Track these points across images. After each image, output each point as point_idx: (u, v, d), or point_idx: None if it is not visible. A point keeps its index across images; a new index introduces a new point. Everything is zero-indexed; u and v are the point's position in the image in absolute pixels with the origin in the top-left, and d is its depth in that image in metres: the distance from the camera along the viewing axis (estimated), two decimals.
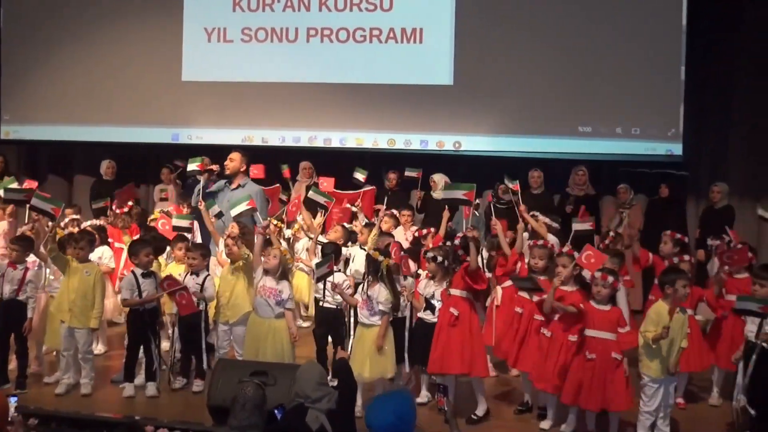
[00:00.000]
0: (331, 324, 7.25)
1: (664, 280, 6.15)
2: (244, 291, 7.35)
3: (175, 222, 8.12)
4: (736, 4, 11.03)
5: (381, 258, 6.62)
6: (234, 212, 7.69)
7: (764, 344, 5.95)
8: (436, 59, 11.35)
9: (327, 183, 9.83)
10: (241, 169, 8.70)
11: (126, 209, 9.65)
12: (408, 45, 11.45)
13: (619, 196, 10.61)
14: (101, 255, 8.19)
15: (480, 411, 6.56)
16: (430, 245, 7.45)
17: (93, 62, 12.28)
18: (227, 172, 8.67)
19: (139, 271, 7.02)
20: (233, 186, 8.62)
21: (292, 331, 6.72)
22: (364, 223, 9.07)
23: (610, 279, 5.94)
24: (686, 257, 7.24)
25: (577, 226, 7.40)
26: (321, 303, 7.32)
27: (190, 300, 6.89)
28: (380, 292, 6.56)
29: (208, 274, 7.31)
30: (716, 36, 11.03)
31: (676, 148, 10.72)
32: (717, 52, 11.10)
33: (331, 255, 6.99)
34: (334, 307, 7.22)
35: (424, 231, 8.40)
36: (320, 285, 7.01)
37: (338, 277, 7.17)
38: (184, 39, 12.02)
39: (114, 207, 10.00)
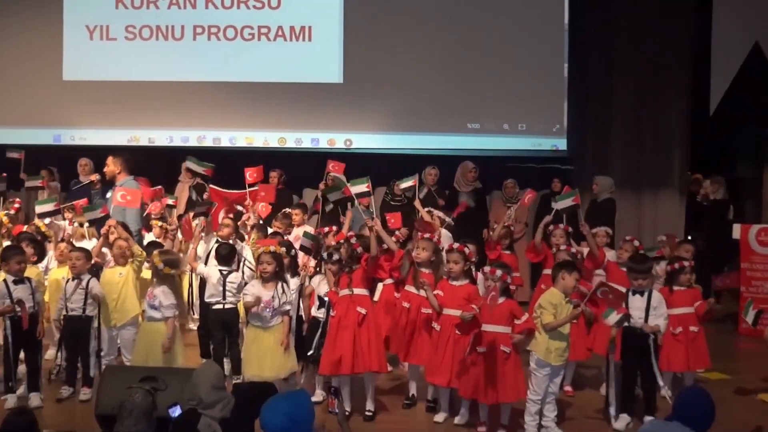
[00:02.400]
0: (227, 325, 7.15)
1: (558, 270, 6.30)
2: (133, 293, 7.18)
3: (38, 209, 7.89)
4: (614, 4, 11.43)
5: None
6: (88, 217, 7.51)
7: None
8: (326, 57, 11.35)
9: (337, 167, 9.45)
10: (117, 172, 8.46)
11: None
12: (297, 43, 11.41)
13: (506, 191, 10.81)
14: None
15: (372, 406, 6.57)
16: (333, 243, 7.38)
17: None
18: (107, 177, 8.44)
19: (10, 278, 6.72)
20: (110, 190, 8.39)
21: (163, 341, 6.55)
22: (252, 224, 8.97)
23: (499, 273, 6.03)
24: (573, 249, 7.42)
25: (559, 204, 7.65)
26: (214, 305, 7.20)
27: (25, 316, 6.61)
28: (287, 291, 6.52)
29: (91, 277, 7.08)
30: (596, 34, 11.45)
31: (561, 143, 11.11)
32: (597, 50, 11.54)
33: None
34: (233, 307, 7.14)
35: (326, 229, 8.37)
36: (219, 287, 6.89)
37: (234, 277, 7.08)
38: (65, 37, 11.64)
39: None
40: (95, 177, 8.62)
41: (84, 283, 6.92)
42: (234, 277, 7.21)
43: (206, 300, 7.38)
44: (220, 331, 7.24)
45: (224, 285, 7.11)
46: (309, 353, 6.56)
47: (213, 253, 7.52)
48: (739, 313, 9.30)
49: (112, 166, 8.39)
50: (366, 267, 6.48)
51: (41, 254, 7.66)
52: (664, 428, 4.31)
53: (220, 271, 7.23)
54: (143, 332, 6.74)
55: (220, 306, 7.17)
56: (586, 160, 11.66)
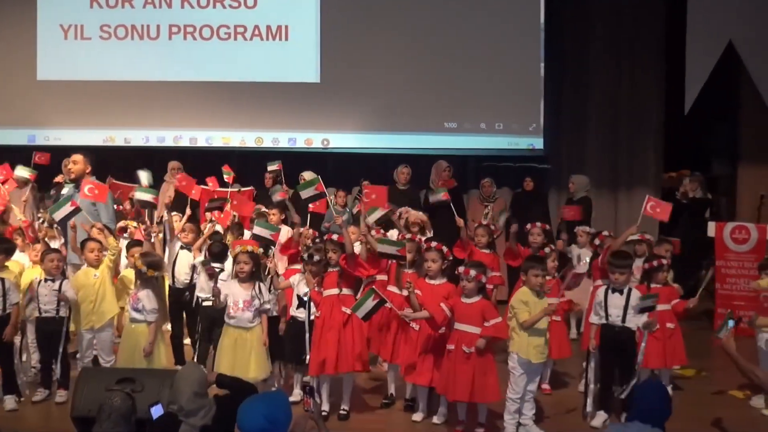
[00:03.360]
0: (219, 322, 7.11)
1: (522, 268, 6.35)
2: (111, 294, 7.14)
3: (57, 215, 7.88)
4: (589, 4, 11.51)
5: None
6: (57, 216, 7.40)
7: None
8: (303, 57, 11.33)
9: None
10: (87, 171, 8.30)
11: None
12: (274, 42, 11.38)
13: (483, 190, 10.82)
14: None
15: (347, 405, 6.56)
16: (309, 243, 7.36)
17: None
18: (72, 176, 8.23)
19: None
20: (79, 189, 8.20)
21: (144, 346, 6.50)
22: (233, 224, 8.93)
23: (473, 273, 6.04)
24: (548, 248, 7.45)
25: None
26: (204, 302, 7.18)
27: None
28: (264, 291, 6.50)
29: (65, 278, 7.03)
30: (572, 34, 11.56)
31: (538, 142, 11.17)
32: (573, 50, 11.63)
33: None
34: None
35: (302, 229, 8.34)
36: (211, 284, 6.84)
37: (225, 275, 7.04)
38: (39, 36, 11.54)
39: None
40: (61, 178, 8.44)
41: (57, 285, 6.87)
42: (225, 275, 7.17)
43: (197, 294, 7.41)
44: (209, 327, 7.17)
45: (216, 282, 7.07)
46: (303, 356, 6.53)
47: (179, 256, 7.59)
48: (714, 310, 9.38)
49: (81, 164, 8.21)
50: (345, 266, 6.47)
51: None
52: (623, 429, 4.36)
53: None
54: (127, 334, 6.66)
55: (210, 303, 7.12)
56: (562, 158, 11.73)
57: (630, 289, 6.37)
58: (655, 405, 4.44)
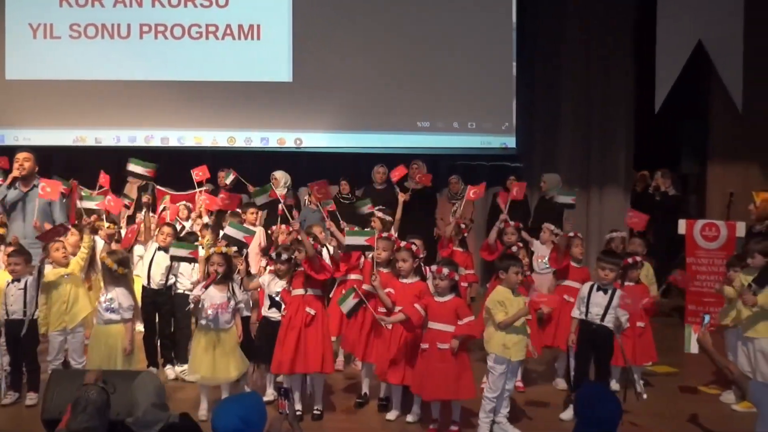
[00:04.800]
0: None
1: (499, 266, 6.37)
2: (83, 293, 7.07)
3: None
4: (561, 3, 11.59)
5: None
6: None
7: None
8: (275, 56, 11.30)
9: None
10: (36, 170, 8.24)
11: None
12: (246, 42, 11.33)
13: (450, 187, 10.83)
14: None
15: (320, 406, 6.56)
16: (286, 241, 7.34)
17: None
18: (23, 173, 8.11)
19: None
20: (28, 187, 8.11)
21: (124, 345, 6.45)
22: (204, 224, 8.90)
23: (446, 271, 6.06)
24: (515, 246, 7.49)
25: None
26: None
27: None
28: (238, 291, 6.49)
29: (31, 279, 6.95)
30: (544, 33, 11.67)
31: (510, 141, 11.25)
32: (545, 49, 11.73)
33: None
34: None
35: (275, 228, 8.35)
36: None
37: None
38: (7, 35, 11.41)
39: None
40: None
41: (22, 285, 6.80)
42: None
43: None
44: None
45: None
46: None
47: (155, 258, 7.54)
48: (685, 307, 9.46)
49: (32, 162, 8.13)
50: (307, 269, 6.41)
51: None
52: None
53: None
54: (99, 336, 6.53)
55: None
56: (534, 157, 11.80)
57: (614, 290, 6.40)
58: (603, 411, 4.09)
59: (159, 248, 7.61)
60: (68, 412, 4.43)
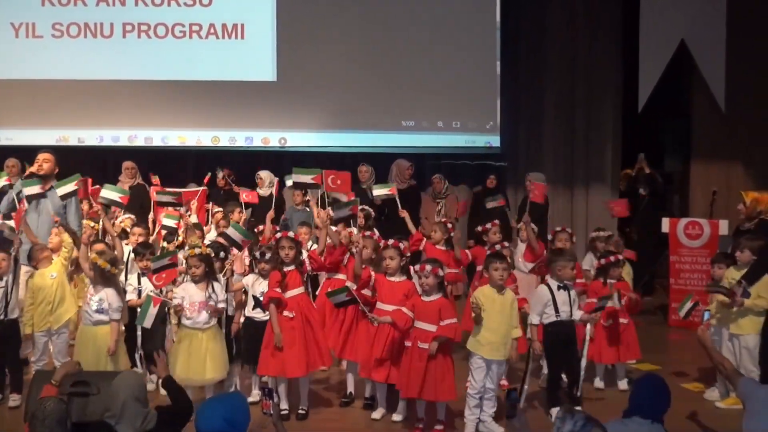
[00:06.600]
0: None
1: (485, 265, 6.37)
2: (69, 294, 7.06)
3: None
4: (544, 2, 11.61)
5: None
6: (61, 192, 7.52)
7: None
8: (259, 55, 11.28)
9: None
10: (56, 171, 8.25)
11: None
12: (229, 41, 11.30)
13: (434, 186, 10.81)
14: None
15: (305, 405, 6.54)
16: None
17: None
18: (41, 172, 8.12)
19: None
20: (46, 187, 8.11)
21: (109, 345, 6.41)
22: (193, 224, 8.85)
23: (429, 268, 6.06)
24: (506, 244, 7.52)
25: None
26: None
27: None
28: (219, 290, 6.45)
29: (13, 279, 6.89)
30: (528, 32, 11.69)
31: (495, 140, 11.28)
32: (529, 48, 11.75)
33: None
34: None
35: (261, 227, 8.33)
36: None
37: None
38: None
39: None
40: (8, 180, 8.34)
41: (3, 283, 6.73)
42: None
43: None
44: None
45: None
46: None
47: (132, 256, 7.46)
48: (669, 305, 9.52)
49: (52, 162, 8.17)
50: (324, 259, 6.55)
51: None
52: (622, 428, 4.32)
53: None
54: (87, 337, 6.50)
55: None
56: (519, 156, 11.82)
57: (570, 287, 6.46)
58: (654, 399, 4.39)
59: (132, 250, 7.53)
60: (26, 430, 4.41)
